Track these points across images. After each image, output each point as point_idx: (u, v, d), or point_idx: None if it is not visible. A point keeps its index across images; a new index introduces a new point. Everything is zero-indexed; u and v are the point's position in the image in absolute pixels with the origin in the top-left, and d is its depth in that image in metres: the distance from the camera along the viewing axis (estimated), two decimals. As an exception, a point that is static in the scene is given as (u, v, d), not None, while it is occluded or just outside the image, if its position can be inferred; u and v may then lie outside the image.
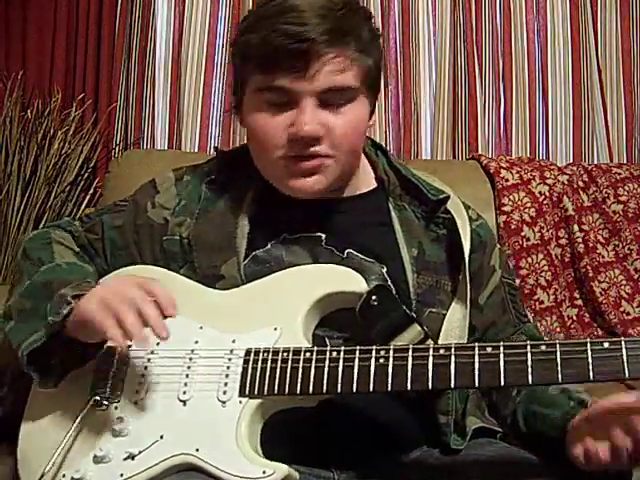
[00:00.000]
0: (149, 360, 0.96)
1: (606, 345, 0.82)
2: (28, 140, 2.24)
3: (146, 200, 1.13)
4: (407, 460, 1.03)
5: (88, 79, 2.44)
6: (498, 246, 1.16)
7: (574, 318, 1.97)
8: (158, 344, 0.96)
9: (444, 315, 1.05)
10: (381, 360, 0.86)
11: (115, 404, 0.94)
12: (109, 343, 0.94)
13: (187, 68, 2.44)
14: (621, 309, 1.95)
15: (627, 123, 2.41)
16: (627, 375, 0.80)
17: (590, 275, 1.95)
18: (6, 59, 2.47)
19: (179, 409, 0.91)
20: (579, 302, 1.99)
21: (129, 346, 0.97)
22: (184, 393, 0.92)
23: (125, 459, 0.89)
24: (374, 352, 0.87)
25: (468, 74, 2.38)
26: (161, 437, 0.90)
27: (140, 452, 0.89)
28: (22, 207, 2.21)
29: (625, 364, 0.80)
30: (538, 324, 1.89)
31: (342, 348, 0.88)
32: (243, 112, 1.06)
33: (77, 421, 0.93)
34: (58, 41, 2.45)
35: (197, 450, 0.87)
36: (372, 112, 1.08)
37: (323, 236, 1.05)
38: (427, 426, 1.04)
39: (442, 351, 0.86)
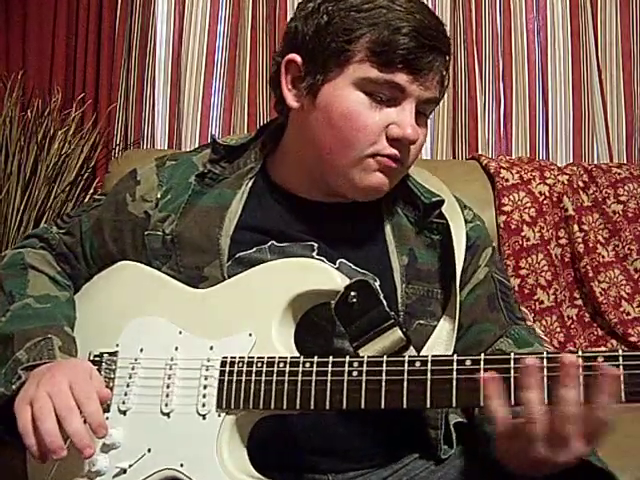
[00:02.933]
0: (133, 368, 0.95)
1: (600, 361, 0.72)
2: (28, 140, 2.24)
3: (125, 193, 1.08)
4: (400, 466, 1.02)
5: (88, 79, 2.45)
6: (492, 246, 1.11)
7: (574, 318, 1.97)
8: (142, 350, 0.96)
9: (433, 327, 1.00)
10: (354, 374, 0.82)
11: (107, 414, 0.93)
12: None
13: (187, 68, 2.44)
14: (621, 309, 1.95)
15: (627, 123, 2.41)
16: (623, 398, 0.72)
17: (590, 275, 1.95)
18: (6, 59, 2.47)
19: (163, 422, 0.90)
20: (579, 302, 1.99)
21: (113, 367, 0.96)
22: (166, 405, 0.90)
23: (117, 475, 0.89)
24: (347, 365, 0.83)
25: (468, 74, 2.38)
26: (148, 450, 0.89)
27: (130, 466, 0.89)
28: (22, 207, 2.21)
29: (621, 385, 0.71)
30: (538, 324, 1.90)
31: (315, 359, 0.85)
32: (324, 96, 0.97)
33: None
34: (58, 41, 2.45)
35: (182, 465, 0.86)
36: None
37: (316, 245, 1.01)
38: (417, 439, 1.01)
39: (418, 364, 0.80)
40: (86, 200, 2.34)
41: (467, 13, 2.39)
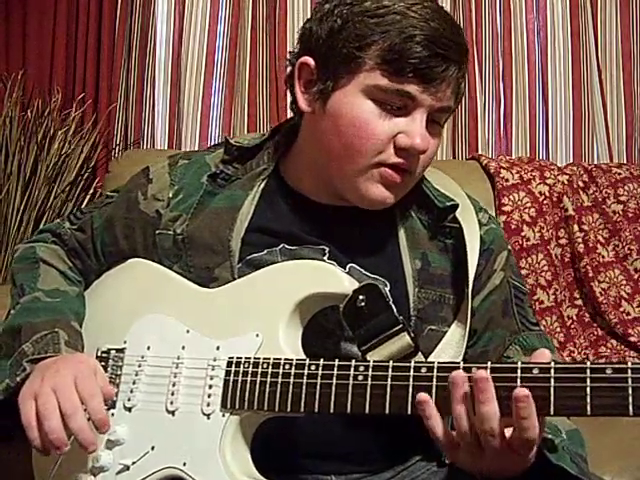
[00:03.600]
0: (140, 366, 0.95)
1: (608, 373, 0.70)
2: (28, 140, 2.24)
3: (137, 191, 1.08)
4: (402, 468, 1.02)
5: (88, 79, 2.44)
6: (508, 249, 1.09)
7: (574, 318, 1.97)
8: (149, 348, 0.96)
9: (444, 333, 0.99)
10: (360, 378, 0.81)
11: (112, 410, 0.93)
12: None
13: (187, 68, 2.44)
14: (621, 309, 1.95)
15: (627, 123, 2.41)
16: (631, 412, 0.69)
17: (590, 275, 1.95)
18: (6, 59, 2.47)
19: (168, 420, 0.90)
20: (579, 302, 1.99)
21: (120, 364, 0.96)
22: (171, 403, 0.91)
23: (120, 471, 0.90)
24: (352, 369, 0.82)
25: (468, 74, 2.37)
26: (152, 448, 0.89)
27: (133, 463, 0.89)
28: (22, 207, 2.21)
29: (630, 399, 0.69)
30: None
31: (321, 362, 0.84)
32: (333, 102, 0.96)
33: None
34: (58, 41, 2.45)
35: (184, 464, 0.87)
36: None
37: (327, 249, 1.00)
38: (420, 443, 1.01)
39: (424, 370, 0.79)
40: (86, 200, 2.35)
41: (467, 13, 2.39)
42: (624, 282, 1.97)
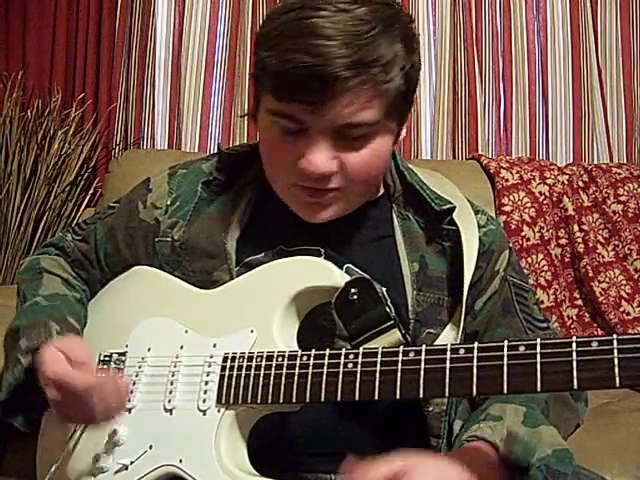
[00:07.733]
0: (140, 367, 0.96)
1: (594, 345, 0.70)
2: (28, 140, 2.24)
3: (137, 201, 1.10)
4: None
5: (88, 79, 2.45)
6: (510, 247, 1.07)
7: (574, 318, 1.97)
8: (149, 350, 0.97)
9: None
10: (349, 365, 0.81)
11: None
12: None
13: (187, 68, 2.44)
14: (621, 309, 1.95)
15: (627, 123, 2.41)
16: (618, 383, 0.68)
17: (590, 275, 1.95)
18: (6, 59, 2.47)
19: (166, 419, 0.91)
20: (579, 302, 1.99)
21: (122, 366, 0.98)
22: (169, 402, 0.91)
23: (119, 470, 0.90)
24: (343, 357, 0.82)
25: (468, 74, 2.38)
26: (150, 447, 0.90)
27: (132, 463, 0.90)
28: (22, 207, 2.21)
29: (616, 369, 0.68)
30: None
31: (312, 352, 0.84)
32: (257, 123, 0.97)
33: (78, 428, 0.95)
34: (58, 41, 2.46)
35: (180, 461, 0.87)
36: (399, 131, 0.97)
37: (322, 250, 1.00)
38: (420, 443, 0.99)
39: (412, 354, 0.79)
40: (86, 200, 2.35)
41: (467, 13, 2.39)
42: (624, 282, 1.97)
